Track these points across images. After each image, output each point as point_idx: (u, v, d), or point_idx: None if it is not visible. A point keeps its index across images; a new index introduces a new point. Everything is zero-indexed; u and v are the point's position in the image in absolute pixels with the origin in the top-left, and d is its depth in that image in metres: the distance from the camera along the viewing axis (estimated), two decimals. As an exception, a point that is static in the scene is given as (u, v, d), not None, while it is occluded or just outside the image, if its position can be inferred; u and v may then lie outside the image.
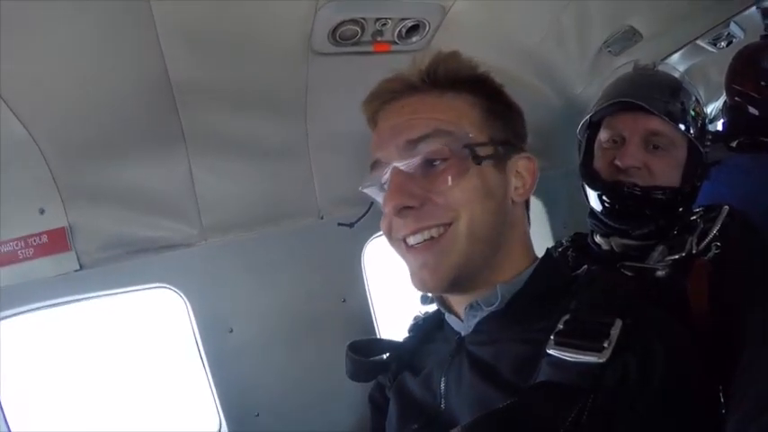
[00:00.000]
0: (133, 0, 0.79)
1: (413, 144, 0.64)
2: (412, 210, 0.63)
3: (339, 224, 0.81)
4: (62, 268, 1.04)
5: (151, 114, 0.98)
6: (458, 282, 0.65)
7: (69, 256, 1.04)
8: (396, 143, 0.65)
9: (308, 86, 1.05)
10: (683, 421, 0.53)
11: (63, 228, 1.03)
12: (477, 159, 0.63)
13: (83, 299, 1.08)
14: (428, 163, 0.64)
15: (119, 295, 1.11)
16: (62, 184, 0.99)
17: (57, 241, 1.04)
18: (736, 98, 1.41)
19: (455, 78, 0.67)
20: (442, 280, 0.64)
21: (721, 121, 1.73)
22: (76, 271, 1.04)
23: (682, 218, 0.94)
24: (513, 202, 0.68)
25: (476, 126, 0.66)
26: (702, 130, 0.96)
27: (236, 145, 1.08)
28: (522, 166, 0.69)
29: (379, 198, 0.71)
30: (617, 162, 0.91)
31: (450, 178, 0.63)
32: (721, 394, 0.58)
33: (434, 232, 0.63)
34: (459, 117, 0.66)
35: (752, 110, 1.36)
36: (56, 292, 1.05)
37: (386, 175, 0.66)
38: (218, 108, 1.01)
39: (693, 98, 0.96)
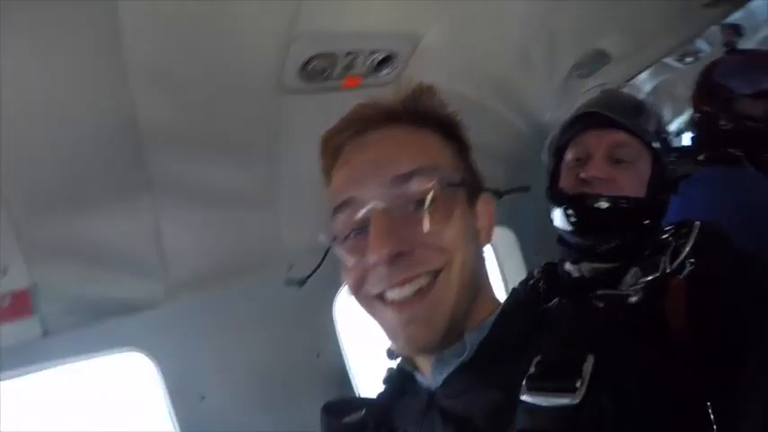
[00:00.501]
0: (101, 33, 0.75)
1: (402, 180, 0.58)
2: (402, 257, 0.56)
3: (287, 283, 0.74)
4: (25, 335, 0.97)
5: (118, 161, 0.94)
6: (449, 334, 0.59)
7: (33, 321, 0.97)
8: (379, 180, 0.58)
9: (278, 127, 1.03)
10: None
11: (26, 289, 0.96)
12: (469, 196, 0.61)
13: (47, 367, 1.01)
14: (418, 203, 0.58)
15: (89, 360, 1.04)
16: (25, 241, 0.93)
17: (20, 304, 0.97)
18: (697, 114, 1.42)
19: (433, 115, 0.64)
20: (436, 334, 0.58)
21: (688, 134, 1.75)
22: (40, 337, 0.97)
23: (650, 234, 0.93)
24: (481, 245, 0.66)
25: (451, 166, 0.63)
26: (665, 144, 0.98)
27: (204, 193, 1.05)
28: (483, 208, 0.66)
29: (341, 248, 0.61)
30: (582, 175, 0.92)
31: (442, 219, 0.58)
32: (710, 411, 0.55)
33: (423, 281, 0.57)
34: (438, 155, 0.62)
35: (723, 123, 1.37)
36: (19, 361, 0.97)
37: (356, 216, 0.59)
38: (186, 153, 0.98)
39: (657, 115, 0.99)
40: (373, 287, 0.58)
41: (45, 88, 0.80)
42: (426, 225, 0.57)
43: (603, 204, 0.90)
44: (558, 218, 0.97)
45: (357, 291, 0.61)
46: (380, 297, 0.59)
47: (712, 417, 0.53)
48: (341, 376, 1.26)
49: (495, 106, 1.38)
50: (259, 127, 1.02)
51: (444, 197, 0.58)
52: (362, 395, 1.23)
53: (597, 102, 1.01)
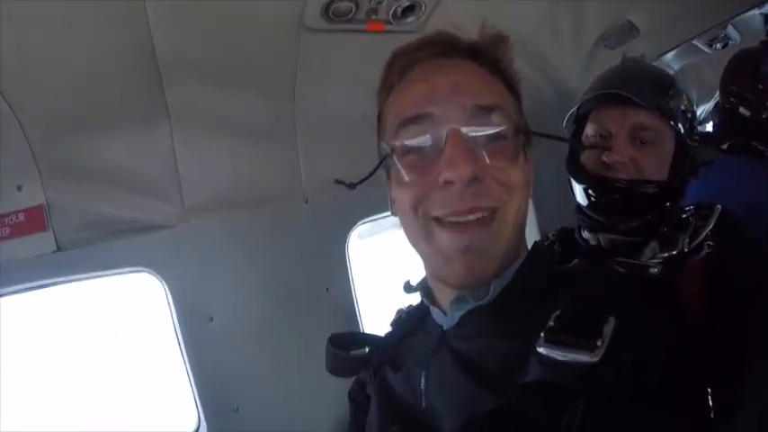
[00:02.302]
0: None
1: (484, 111, 0.58)
2: (474, 183, 0.55)
3: (336, 181, 0.70)
4: (39, 249, 1.00)
5: (135, 88, 0.94)
6: (499, 269, 0.60)
7: (47, 237, 1.00)
8: (461, 103, 0.57)
9: (297, 65, 1.02)
10: (677, 423, 0.51)
11: (41, 206, 0.99)
12: (526, 145, 0.62)
13: (59, 282, 1.04)
14: (492, 137, 0.58)
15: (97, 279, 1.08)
16: (40, 160, 0.95)
17: (34, 220, 1.00)
18: (732, 98, 1.40)
19: (505, 65, 0.65)
20: (491, 266, 0.58)
21: (710, 123, 1.73)
22: (53, 252, 1.00)
23: (670, 214, 0.92)
24: None
25: (517, 114, 0.64)
26: (692, 124, 0.95)
27: (222, 123, 1.05)
28: (528, 165, 0.66)
29: (401, 161, 0.60)
30: (603, 158, 0.90)
31: (510, 158, 0.58)
32: (710, 397, 0.56)
33: (485, 214, 0.57)
34: (509, 101, 0.63)
35: (743, 110, 1.35)
36: (32, 275, 1.01)
37: (433, 132, 0.58)
38: (204, 84, 0.98)
39: (683, 94, 0.95)
40: (436, 208, 0.58)
41: (63, 20, 0.80)
42: (499, 159, 0.57)
43: (625, 190, 0.89)
44: (580, 194, 0.96)
45: (414, 208, 0.59)
46: (438, 220, 0.58)
47: (711, 403, 0.55)
48: (348, 312, 1.28)
49: (520, 67, 1.34)
50: (280, 63, 1.01)
51: (514, 139, 0.60)
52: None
53: (621, 77, 0.97)
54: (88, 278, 1.05)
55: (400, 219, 0.64)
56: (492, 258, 0.58)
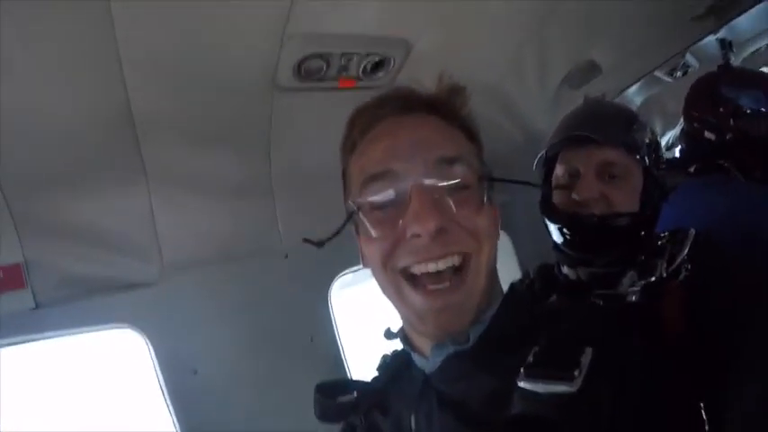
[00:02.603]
0: (96, 27, 0.77)
1: (447, 163, 0.60)
2: (443, 234, 0.57)
3: (305, 240, 0.72)
4: (17, 306, 1.00)
5: (112, 147, 0.96)
6: (474, 322, 0.61)
7: (25, 294, 1.00)
8: (423, 157, 0.59)
9: (272, 122, 1.05)
10: None
11: (19, 264, 0.99)
12: (489, 193, 0.63)
13: (38, 338, 1.04)
14: (456, 188, 0.60)
15: (80, 335, 1.08)
16: (19, 218, 0.96)
17: (12, 277, 1.00)
18: (695, 123, 1.43)
19: (463, 115, 0.67)
20: (466, 322, 0.60)
21: (678, 148, 1.81)
22: (32, 309, 1.00)
23: (645, 242, 0.95)
24: None
25: (478, 163, 0.65)
26: (657, 155, 0.98)
27: (199, 182, 1.07)
28: (493, 209, 0.68)
29: (367, 218, 0.61)
30: (574, 196, 0.93)
31: (476, 207, 0.60)
32: (703, 411, 0.58)
33: (456, 260, 0.58)
34: (470, 150, 0.65)
35: (708, 134, 1.39)
36: (9, 332, 1.01)
37: (395, 188, 0.59)
38: (180, 143, 1.00)
39: (646, 127, 0.99)
40: (404, 259, 0.59)
41: (40, 77, 0.82)
42: (464, 209, 0.59)
43: (598, 224, 0.91)
44: (555, 233, 0.98)
45: (383, 263, 0.61)
46: (408, 274, 0.59)
47: (704, 416, 0.56)
48: (334, 360, 1.29)
49: (489, 114, 1.42)
50: (255, 122, 1.04)
51: (478, 187, 0.61)
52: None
53: (584, 118, 1.01)
54: (68, 335, 1.05)
55: (372, 273, 0.66)
56: (467, 314, 0.60)
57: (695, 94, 1.47)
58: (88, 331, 1.07)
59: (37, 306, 1.01)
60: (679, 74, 2.14)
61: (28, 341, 1.04)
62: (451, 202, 0.59)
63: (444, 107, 0.66)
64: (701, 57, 2.13)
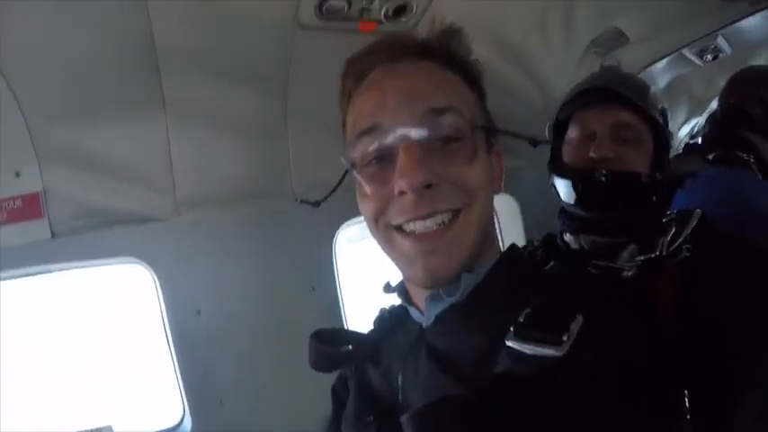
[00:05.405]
0: None
1: (435, 114, 0.57)
2: (429, 189, 0.55)
3: (301, 201, 0.73)
4: (34, 236, 1.02)
5: (134, 78, 0.97)
6: (463, 270, 0.60)
7: (42, 224, 1.02)
8: (411, 109, 0.57)
9: (291, 61, 1.05)
10: (639, 420, 0.51)
11: (38, 193, 1.01)
12: (487, 143, 0.61)
13: (52, 270, 1.06)
14: (446, 139, 0.57)
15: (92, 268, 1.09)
16: (40, 147, 0.98)
17: (31, 207, 1.02)
18: (734, 101, 1.36)
19: (462, 58, 0.64)
20: (454, 267, 0.59)
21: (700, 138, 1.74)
22: (48, 240, 1.02)
23: (654, 213, 0.94)
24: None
25: (476, 110, 0.63)
26: (666, 123, 0.98)
27: (216, 117, 1.07)
28: (496, 159, 0.67)
29: (361, 174, 0.61)
30: (591, 154, 0.92)
31: (467, 159, 0.58)
32: (687, 399, 0.56)
33: (446, 218, 0.57)
34: (466, 97, 0.62)
35: (748, 108, 1.31)
36: (25, 261, 1.02)
37: (384, 142, 0.57)
38: (200, 76, 1.01)
39: (658, 97, 0.98)
40: (395, 217, 0.58)
41: (64, 6, 0.83)
42: (454, 162, 0.57)
43: (610, 179, 0.90)
44: (564, 191, 0.97)
45: (375, 219, 0.60)
46: (400, 228, 0.59)
47: (688, 404, 0.55)
48: (333, 311, 1.29)
49: (509, 72, 1.37)
50: (274, 59, 1.04)
51: (471, 138, 0.58)
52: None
53: (600, 76, 0.99)
54: (80, 267, 1.07)
55: (367, 227, 0.65)
56: (455, 258, 0.59)
57: (743, 77, 1.39)
58: (100, 264, 1.08)
59: (53, 236, 1.02)
60: (709, 57, 2.07)
61: (42, 272, 1.06)
62: (441, 156, 0.57)
63: (438, 50, 0.62)
64: (734, 42, 2.06)
